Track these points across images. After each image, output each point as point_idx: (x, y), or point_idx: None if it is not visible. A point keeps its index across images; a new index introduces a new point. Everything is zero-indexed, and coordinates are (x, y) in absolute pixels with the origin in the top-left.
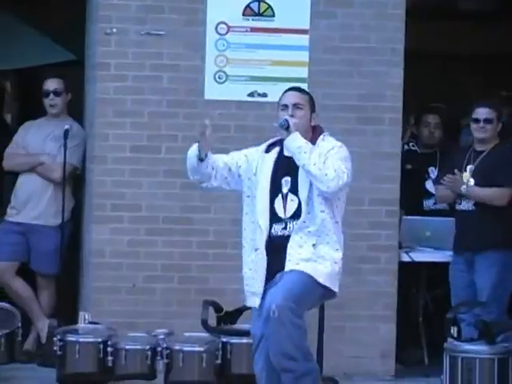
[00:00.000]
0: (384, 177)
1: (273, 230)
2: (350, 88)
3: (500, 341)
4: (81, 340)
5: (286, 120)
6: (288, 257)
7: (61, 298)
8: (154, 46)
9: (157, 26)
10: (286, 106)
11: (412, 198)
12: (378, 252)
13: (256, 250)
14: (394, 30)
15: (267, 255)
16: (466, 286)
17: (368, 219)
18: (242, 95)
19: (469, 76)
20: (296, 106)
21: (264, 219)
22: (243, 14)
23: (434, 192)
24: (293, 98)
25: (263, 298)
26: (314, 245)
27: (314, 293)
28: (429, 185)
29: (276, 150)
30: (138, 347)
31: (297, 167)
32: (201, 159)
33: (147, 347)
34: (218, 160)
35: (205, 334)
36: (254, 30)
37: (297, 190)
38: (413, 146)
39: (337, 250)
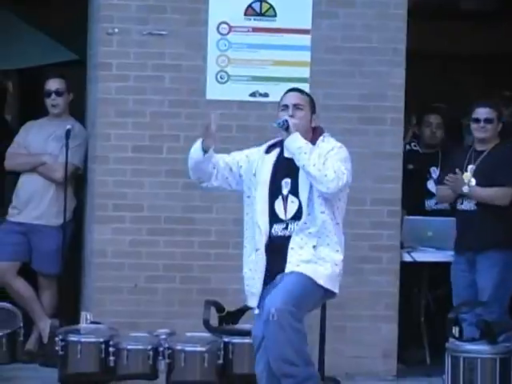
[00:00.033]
0: (386, 177)
1: (273, 231)
2: (351, 88)
3: (502, 341)
4: (83, 340)
5: (286, 120)
6: (288, 258)
7: (62, 298)
8: (156, 46)
9: (159, 26)
10: (286, 107)
11: (414, 198)
12: (380, 252)
13: (256, 250)
14: (395, 29)
15: (267, 255)
16: (468, 286)
17: (370, 219)
18: (244, 95)
19: (469, 76)
20: (296, 106)
21: (263, 220)
22: (245, 14)
23: (435, 192)
24: (293, 98)
25: (262, 298)
26: (314, 246)
27: (314, 295)
28: (430, 185)
29: (276, 151)
30: (140, 347)
31: (297, 169)
32: (204, 151)
33: (149, 347)
34: (220, 160)
35: (207, 334)
36: (255, 29)
37: (297, 192)
38: (415, 145)
39: (337, 251)
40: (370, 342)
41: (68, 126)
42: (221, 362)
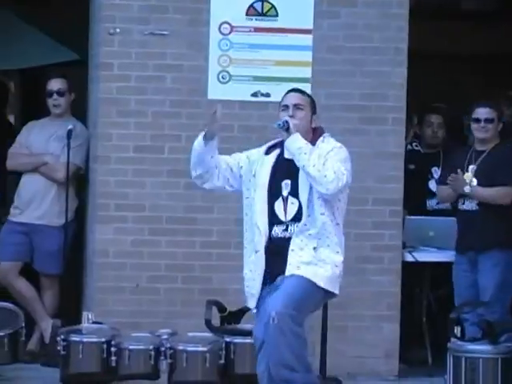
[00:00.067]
0: (388, 177)
1: (273, 232)
2: (353, 88)
3: (503, 340)
4: (84, 340)
5: (286, 121)
6: (289, 259)
7: (64, 298)
8: (158, 46)
9: (160, 26)
10: (286, 107)
11: (415, 198)
12: (382, 252)
13: (256, 252)
14: (397, 29)
15: (267, 257)
16: (469, 286)
17: (372, 219)
18: (246, 95)
19: (469, 76)
20: (297, 106)
21: (262, 221)
22: (246, 14)
23: (436, 192)
24: (294, 98)
25: (261, 299)
26: (314, 248)
27: (314, 297)
28: (432, 185)
29: (276, 152)
30: (142, 347)
31: (297, 170)
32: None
33: (151, 347)
34: (221, 160)
35: (208, 334)
36: (257, 29)
37: (297, 193)
38: (416, 145)
39: (337, 252)
40: (372, 341)
41: (70, 126)
42: (222, 361)
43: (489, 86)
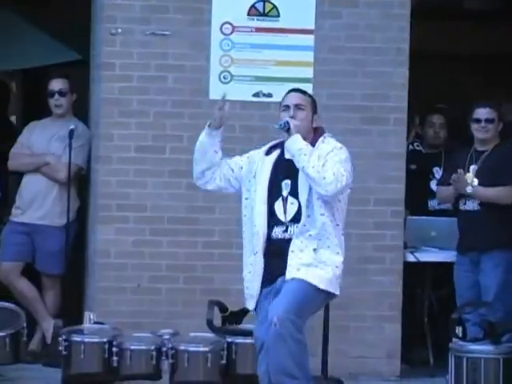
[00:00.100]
0: (389, 177)
1: (273, 234)
2: (354, 88)
3: (505, 341)
4: (86, 340)
5: (287, 122)
6: (289, 261)
7: (66, 298)
8: (159, 47)
9: (162, 26)
10: (287, 107)
11: (417, 198)
12: (384, 252)
13: (255, 253)
14: (398, 29)
15: (267, 258)
16: (471, 287)
17: (373, 219)
18: (247, 95)
19: (469, 76)
20: (298, 106)
21: (261, 223)
22: (248, 14)
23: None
24: (295, 98)
25: (260, 301)
26: (314, 249)
27: (315, 300)
28: (433, 185)
29: (276, 152)
30: (143, 347)
31: (297, 170)
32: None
33: (152, 347)
34: (222, 161)
35: (210, 334)
36: (258, 30)
37: (297, 193)
38: (417, 146)
39: (337, 253)
40: (374, 342)
41: (71, 126)
42: (224, 362)
43: (489, 86)
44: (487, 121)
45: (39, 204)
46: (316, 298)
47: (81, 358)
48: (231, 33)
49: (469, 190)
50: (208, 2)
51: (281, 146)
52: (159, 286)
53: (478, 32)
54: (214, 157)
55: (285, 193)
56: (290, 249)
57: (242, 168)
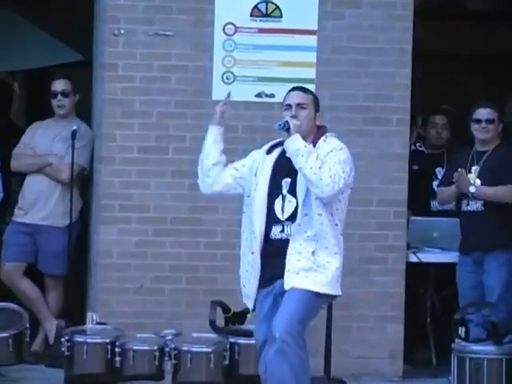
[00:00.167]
0: (392, 178)
1: (271, 234)
2: (357, 89)
3: (508, 341)
4: (89, 341)
5: (287, 121)
6: (287, 265)
7: (69, 298)
8: (162, 47)
9: (165, 27)
10: (289, 106)
11: (419, 199)
12: (386, 252)
13: (253, 253)
14: (401, 30)
15: (264, 258)
16: (474, 287)
17: (376, 220)
18: (250, 96)
19: (469, 76)
20: (300, 105)
21: (260, 223)
22: (251, 15)
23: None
24: (296, 97)
25: (258, 301)
26: (313, 252)
27: (317, 307)
28: (436, 186)
29: (278, 150)
30: (146, 348)
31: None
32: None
33: (155, 348)
34: (228, 166)
35: (213, 335)
36: (261, 30)
37: (295, 192)
38: (420, 146)
39: (335, 253)
40: (376, 342)
41: (74, 127)
42: (227, 362)
43: (489, 86)
44: (488, 121)
45: (42, 204)
46: (318, 305)
47: (83, 358)
48: (234, 33)
49: (472, 189)
50: (211, 3)
51: (282, 144)
52: (162, 286)
53: (478, 32)
54: (219, 154)
55: (284, 191)
56: (288, 252)
57: (245, 166)
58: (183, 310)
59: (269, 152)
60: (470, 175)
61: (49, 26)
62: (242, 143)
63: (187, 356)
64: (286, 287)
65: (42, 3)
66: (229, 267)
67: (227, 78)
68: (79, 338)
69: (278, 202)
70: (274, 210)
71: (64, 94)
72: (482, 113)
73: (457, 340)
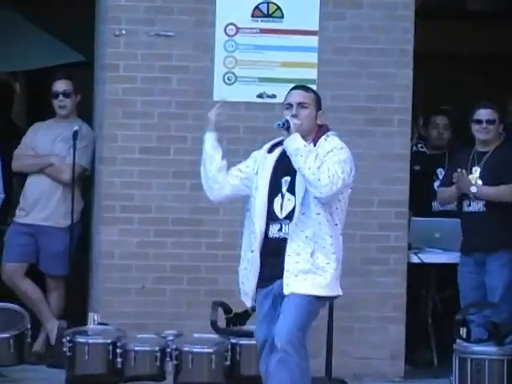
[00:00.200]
0: (393, 178)
1: (270, 232)
2: (358, 89)
3: (509, 342)
4: (90, 341)
5: (287, 120)
6: (286, 266)
7: (70, 299)
8: (163, 48)
9: (166, 28)
10: (290, 105)
11: (421, 200)
12: (388, 253)
13: (252, 251)
14: (402, 31)
15: (263, 257)
16: (475, 288)
17: (377, 220)
18: (251, 96)
19: (469, 76)
20: (301, 105)
21: (260, 222)
22: (252, 16)
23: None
24: (297, 96)
25: (258, 301)
26: (311, 253)
27: (317, 310)
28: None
29: (279, 149)
30: (147, 348)
31: None
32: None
33: (156, 348)
34: (231, 169)
35: (214, 336)
36: (262, 31)
37: (294, 190)
38: (421, 147)
39: (333, 253)
40: (378, 343)
41: (75, 127)
42: (228, 363)
43: (490, 86)
44: (488, 122)
45: (43, 205)
46: (318, 308)
47: (85, 359)
48: (235, 34)
49: (473, 189)
50: (212, 4)
51: (283, 143)
52: (163, 287)
53: (478, 32)
54: (220, 158)
55: (284, 189)
56: (287, 252)
57: (248, 166)
58: (184, 310)
59: (270, 151)
60: (471, 176)
61: (49, 26)
62: (244, 144)
63: (188, 357)
64: (286, 292)
65: (42, 3)
66: (230, 268)
67: (228, 79)
68: (81, 339)
69: (277, 201)
70: (273, 209)
71: (65, 95)
72: (483, 113)
73: (458, 341)
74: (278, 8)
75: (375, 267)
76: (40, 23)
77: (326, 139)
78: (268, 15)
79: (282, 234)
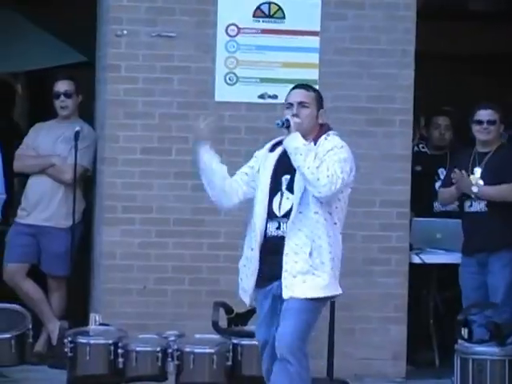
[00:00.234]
0: (395, 179)
1: (268, 230)
2: (360, 90)
3: (511, 342)
4: (91, 342)
5: (287, 119)
6: (284, 265)
7: (71, 299)
8: (165, 48)
9: (167, 28)
10: (291, 105)
11: (422, 200)
12: (389, 254)
13: (252, 249)
14: (404, 31)
15: (262, 255)
16: (477, 288)
17: (379, 221)
18: (253, 97)
19: (469, 76)
20: (301, 104)
21: (260, 219)
22: (253, 16)
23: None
24: (298, 96)
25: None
26: (310, 253)
27: (318, 314)
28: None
29: (280, 148)
30: (149, 349)
31: None
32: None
33: (158, 349)
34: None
35: (215, 336)
36: (264, 31)
37: (293, 189)
38: (423, 147)
39: (329, 252)
40: (379, 343)
41: (77, 128)
42: (230, 363)
43: (492, 86)
44: (489, 122)
45: (45, 205)
46: (318, 310)
47: (86, 359)
48: (237, 34)
49: (474, 189)
50: (213, 4)
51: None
52: (165, 287)
53: (479, 32)
54: (220, 166)
55: (283, 188)
56: (285, 251)
57: (252, 167)
58: (186, 311)
59: (272, 150)
60: (472, 176)
61: (49, 26)
62: (245, 144)
63: (190, 357)
64: (285, 296)
65: (42, 3)
66: (232, 268)
67: (230, 79)
68: (82, 339)
69: (276, 199)
70: (272, 207)
71: (67, 95)
72: (483, 114)
73: (460, 341)
74: (280, 8)
75: (377, 268)
76: (40, 23)
77: (326, 138)
78: (269, 16)
79: (280, 233)
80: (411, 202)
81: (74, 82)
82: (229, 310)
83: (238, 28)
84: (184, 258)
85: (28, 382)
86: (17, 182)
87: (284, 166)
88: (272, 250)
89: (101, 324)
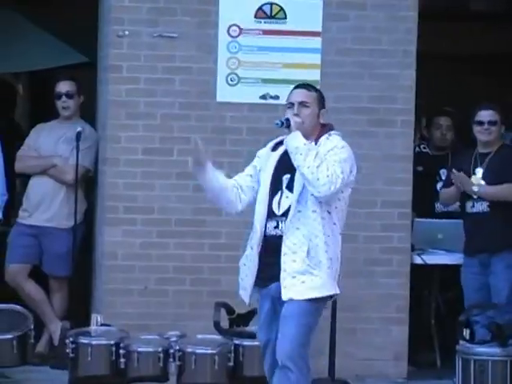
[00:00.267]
0: (396, 179)
1: (267, 229)
2: (361, 90)
3: None
4: (93, 342)
5: (287, 119)
6: (283, 264)
7: (73, 300)
8: (167, 49)
9: (169, 29)
10: (292, 104)
11: (424, 201)
12: (391, 254)
13: (252, 248)
14: (406, 31)
15: (261, 254)
16: (479, 289)
17: (380, 221)
18: (255, 97)
19: (469, 76)
20: (302, 104)
21: (260, 219)
22: (255, 17)
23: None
24: (299, 95)
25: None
26: (308, 252)
27: (318, 315)
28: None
29: (282, 148)
30: (151, 349)
31: None
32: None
33: (159, 349)
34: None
35: (217, 337)
36: (266, 32)
37: (293, 188)
38: (424, 148)
39: (326, 251)
40: (381, 344)
41: (78, 128)
42: (231, 364)
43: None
44: (490, 123)
45: (46, 206)
46: (318, 311)
47: (88, 360)
48: (238, 35)
49: (475, 189)
50: (215, 5)
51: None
52: (166, 288)
53: (482, 33)
54: (222, 178)
55: (284, 187)
56: (283, 250)
57: (256, 167)
58: (187, 311)
59: (274, 149)
60: (474, 177)
61: (49, 27)
62: (247, 145)
63: (191, 358)
64: (284, 298)
65: (42, 3)
66: (233, 269)
67: (231, 80)
68: (84, 340)
69: (276, 197)
70: (271, 205)
71: (68, 96)
72: (484, 115)
73: (461, 342)
74: (281, 9)
75: (378, 268)
76: (40, 23)
77: (327, 138)
78: (271, 16)
79: (278, 232)
80: (413, 202)
81: (75, 82)
82: (230, 310)
83: (240, 29)
84: (185, 259)
85: (30, 382)
86: (18, 183)
87: (285, 165)
88: (270, 249)
89: (102, 324)
